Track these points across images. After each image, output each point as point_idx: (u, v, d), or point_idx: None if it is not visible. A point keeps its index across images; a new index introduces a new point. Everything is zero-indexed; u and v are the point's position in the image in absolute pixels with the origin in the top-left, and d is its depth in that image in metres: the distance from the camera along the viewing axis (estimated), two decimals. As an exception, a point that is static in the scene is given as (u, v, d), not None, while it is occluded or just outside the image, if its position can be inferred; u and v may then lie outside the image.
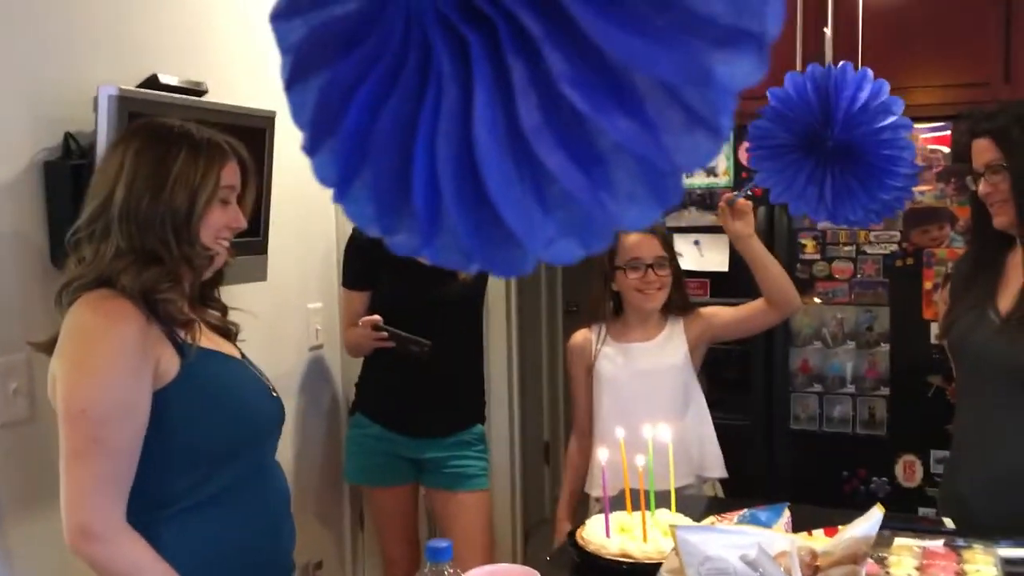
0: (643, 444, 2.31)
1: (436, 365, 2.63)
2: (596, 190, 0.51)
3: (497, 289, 3.54)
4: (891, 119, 0.97)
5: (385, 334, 2.54)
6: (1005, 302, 1.89)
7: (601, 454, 1.84)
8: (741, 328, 2.41)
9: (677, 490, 2.28)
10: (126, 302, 1.42)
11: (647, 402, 2.32)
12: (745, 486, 2.84)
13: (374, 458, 2.75)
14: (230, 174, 1.55)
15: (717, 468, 2.37)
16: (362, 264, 2.71)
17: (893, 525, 1.59)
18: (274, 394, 1.67)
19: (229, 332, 1.70)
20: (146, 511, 1.43)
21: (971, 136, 1.94)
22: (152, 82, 2.04)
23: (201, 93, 2.16)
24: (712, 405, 2.83)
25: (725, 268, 2.80)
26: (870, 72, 1.01)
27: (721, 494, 2.89)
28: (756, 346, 2.74)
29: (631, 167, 0.50)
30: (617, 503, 1.86)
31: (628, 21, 0.48)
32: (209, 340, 1.57)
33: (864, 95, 0.96)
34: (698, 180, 2.83)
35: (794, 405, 2.76)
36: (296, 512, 2.78)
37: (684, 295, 2.43)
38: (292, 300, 2.82)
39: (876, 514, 1.12)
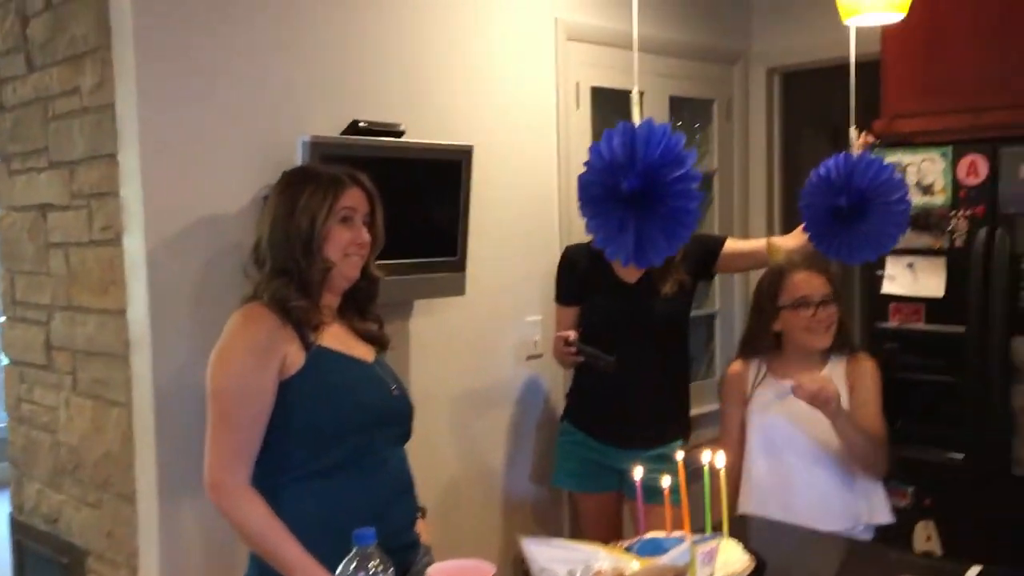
0: (792, 483, 2.25)
1: (639, 379, 2.75)
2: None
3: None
4: (681, 171, 0.97)
5: (575, 348, 2.72)
6: None
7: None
8: None
9: (833, 532, 2.19)
10: (264, 309, 1.79)
11: (801, 441, 2.25)
12: (964, 534, 2.60)
13: (579, 465, 2.91)
14: (349, 199, 1.86)
15: (883, 513, 2.23)
16: (571, 282, 2.91)
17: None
18: (395, 392, 1.91)
19: (380, 341, 2.00)
20: (270, 476, 1.78)
21: None
22: (353, 127, 2.42)
23: (398, 134, 2.51)
24: (914, 439, 2.63)
25: (941, 293, 2.59)
26: (669, 127, 1.03)
27: (938, 545, 2.67)
28: (967, 379, 2.50)
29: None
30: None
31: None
32: (339, 342, 1.87)
33: (660, 149, 0.98)
34: (914, 199, 2.64)
35: (1017, 448, 2.48)
36: (504, 509, 3.06)
37: (848, 334, 2.32)
38: (509, 313, 3.08)
39: (686, 544, 1.11)
